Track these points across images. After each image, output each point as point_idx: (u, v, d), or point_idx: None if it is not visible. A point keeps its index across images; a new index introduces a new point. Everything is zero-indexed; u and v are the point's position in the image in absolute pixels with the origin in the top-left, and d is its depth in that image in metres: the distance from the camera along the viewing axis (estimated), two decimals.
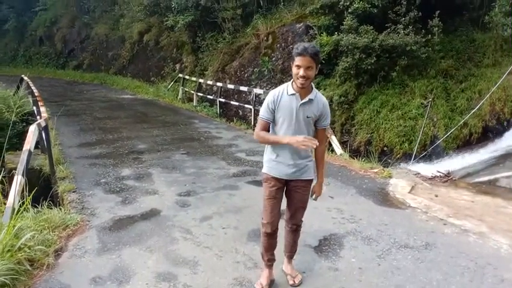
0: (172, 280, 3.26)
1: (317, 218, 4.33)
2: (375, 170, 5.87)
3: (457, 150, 8.39)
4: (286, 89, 2.79)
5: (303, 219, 3.13)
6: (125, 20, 20.32)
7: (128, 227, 4.28)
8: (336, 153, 7.17)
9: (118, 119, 10.69)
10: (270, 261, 3.11)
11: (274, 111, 2.81)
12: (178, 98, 14.33)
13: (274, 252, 3.12)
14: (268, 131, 2.89)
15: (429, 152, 8.64)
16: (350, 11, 9.67)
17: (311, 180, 3.00)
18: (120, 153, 7.29)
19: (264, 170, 3.00)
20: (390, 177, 5.65)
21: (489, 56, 9.16)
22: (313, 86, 2.82)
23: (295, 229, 3.12)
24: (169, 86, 15.50)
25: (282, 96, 2.78)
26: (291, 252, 3.23)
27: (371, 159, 6.80)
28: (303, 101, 2.74)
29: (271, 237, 3.04)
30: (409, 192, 5.03)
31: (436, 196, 4.97)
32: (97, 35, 22.81)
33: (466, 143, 8.40)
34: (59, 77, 22.24)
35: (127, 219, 4.49)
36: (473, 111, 8.30)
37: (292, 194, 2.99)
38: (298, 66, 2.62)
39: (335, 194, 5.10)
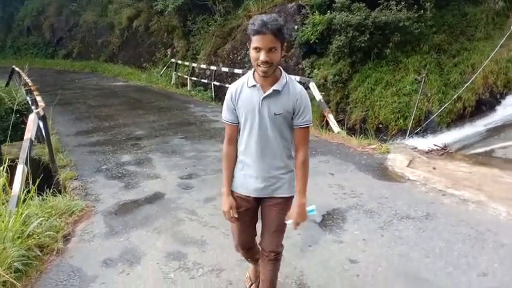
0: (182, 259, 3.34)
1: (319, 194, 4.42)
2: (373, 146, 5.95)
3: (451, 124, 8.50)
4: (247, 81, 2.17)
5: (283, 243, 2.47)
6: (113, 6, 19.98)
7: (134, 211, 4.34)
8: (333, 132, 7.23)
9: (113, 106, 10.64)
10: (255, 260, 2.68)
11: (235, 110, 2.21)
12: (172, 83, 14.25)
13: (258, 249, 2.58)
14: (236, 135, 2.31)
15: (424, 127, 8.73)
16: None
17: (290, 198, 2.31)
18: (118, 139, 7.30)
19: (232, 186, 2.36)
20: (388, 152, 5.74)
21: (481, 30, 9.19)
22: (283, 72, 2.16)
23: (274, 258, 2.41)
24: (162, 72, 15.39)
25: (242, 90, 2.18)
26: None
27: (368, 136, 6.88)
28: (266, 93, 2.11)
29: (249, 252, 2.60)
30: (407, 166, 5.12)
31: (434, 169, 5.07)
32: (86, 22, 22.42)
33: (460, 117, 8.50)
34: (49, 67, 21.91)
35: (132, 204, 4.54)
36: (466, 85, 8.36)
37: (265, 214, 2.36)
38: (257, 49, 1.97)
39: (335, 170, 5.18)
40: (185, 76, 13.59)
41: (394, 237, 3.43)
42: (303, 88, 2.20)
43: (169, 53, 16.17)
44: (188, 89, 13.11)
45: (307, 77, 9.89)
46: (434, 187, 4.39)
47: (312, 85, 8.25)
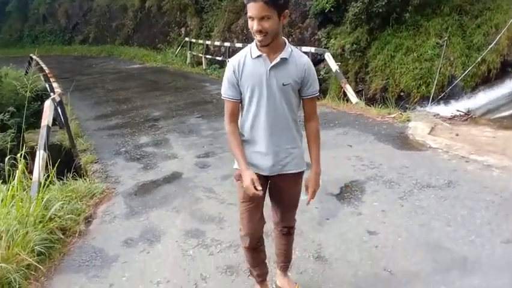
0: (200, 236, 3.36)
1: (336, 166, 4.35)
2: (393, 115, 5.79)
3: (476, 89, 8.17)
4: (249, 52, 2.05)
5: (296, 218, 2.44)
6: None
7: (153, 191, 4.39)
8: (351, 103, 7.07)
9: (130, 89, 10.71)
10: (261, 276, 2.48)
11: (238, 85, 2.07)
12: (187, 62, 14.21)
13: (266, 261, 2.47)
14: (238, 112, 2.15)
15: (448, 92, 8.43)
16: None
17: (301, 173, 2.24)
18: (136, 122, 7.36)
19: (235, 165, 2.21)
20: (408, 120, 5.57)
21: None
22: (287, 42, 2.06)
23: (287, 232, 2.43)
24: (177, 52, 15.35)
25: (245, 62, 2.04)
26: (285, 262, 2.55)
27: (388, 106, 6.69)
28: (274, 62, 2.00)
29: (255, 252, 2.36)
30: (429, 134, 4.96)
31: (457, 135, 4.90)
32: (99, 6, 22.47)
33: (485, 80, 8.15)
34: (67, 53, 22.19)
35: (151, 184, 4.59)
36: (490, 46, 7.98)
37: (275, 193, 2.30)
38: (251, 18, 1.88)
39: (353, 142, 5.08)
40: (200, 55, 13.50)
41: (414, 207, 3.35)
42: (308, 58, 2.12)
43: (183, 32, 16.07)
44: (204, 67, 13.04)
45: (324, 47, 9.64)
46: (457, 154, 4.24)
47: (328, 55, 8.04)
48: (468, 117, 5.98)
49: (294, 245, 2.55)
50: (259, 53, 2.00)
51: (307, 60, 2.10)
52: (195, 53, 14.17)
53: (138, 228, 3.61)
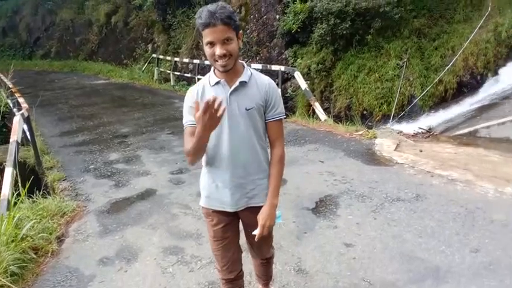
0: (179, 253, 3.35)
1: (310, 182, 4.46)
2: (360, 132, 6.03)
3: (434, 107, 8.65)
4: (208, 80, 1.94)
5: (273, 249, 2.38)
6: (90, 2, 19.59)
7: (127, 208, 4.32)
8: (320, 120, 7.29)
9: (96, 105, 10.49)
10: None
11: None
12: (154, 79, 14.10)
13: (242, 275, 2.29)
14: None
15: (408, 111, 8.87)
16: None
17: None
18: (104, 138, 7.22)
19: (201, 202, 2.11)
20: (375, 137, 5.82)
21: (460, 12, 9.29)
22: (245, 64, 1.96)
23: (265, 263, 2.40)
24: (144, 68, 15.21)
25: (204, 90, 1.93)
26: (266, 280, 2.54)
27: (354, 123, 6.96)
28: (233, 86, 1.88)
29: (234, 285, 2.22)
30: (395, 150, 5.21)
31: (421, 151, 5.17)
32: (62, 20, 21.93)
33: (442, 100, 8.66)
34: (28, 68, 21.39)
35: (124, 201, 4.52)
36: (447, 67, 8.51)
37: (246, 228, 2.16)
38: (211, 44, 1.75)
39: (325, 158, 5.24)
40: (168, 71, 13.46)
41: (387, 220, 3.50)
42: (270, 79, 2.01)
43: (149, 48, 15.98)
44: (172, 84, 13.00)
45: (291, 66, 9.91)
46: (422, 169, 4.48)
47: (297, 74, 8.27)
48: (430, 134, 6.33)
49: (274, 259, 2.56)
50: (217, 79, 1.89)
51: (269, 81, 1.97)
52: (162, 70, 14.11)
53: (113, 247, 3.54)
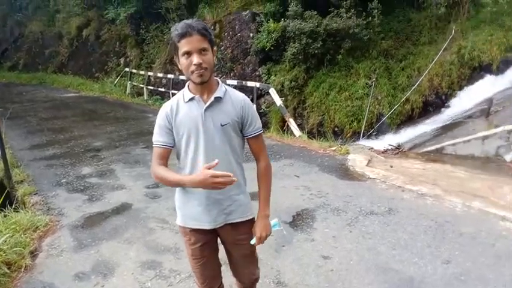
0: (157, 267, 3.33)
1: (287, 196, 4.55)
2: (334, 148, 6.20)
3: (401, 125, 9.00)
4: (182, 97, 1.93)
5: (259, 270, 2.29)
6: (61, 15, 19.21)
7: (102, 223, 4.25)
8: (295, 136, 7.44)
9: (66, 118, 10.26)
10: None
11: (171, 131, 1.91)
12: (127, 93, 13.96)
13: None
14: (167, 162, 1.95)
15: (376, 129, 9.19)
16: None
17: (249, 222, 2.06)
18: (76, 152, 7.07)
19: (177, 221, 2.08)
20: (348, 153, 6.00)
21: (425, 35, 9.76)
22: (219, 81, 1.97)
23: (251, 285, 2.31)
24: (116, 82, 15.02)
25: (178, 107, 1.91)
26: None
27: (327, 139, 7.14)
28: (208, 102, 1.88)
29: None
30: (367, 165, 5.39)
31: (391, 167, 5.38)
32: (32, 32, 21.39)
33: (409, 118, 9.04)
34: None
35: (98, 216, 4.44)
36: (413, 87, 8.91)
37: (226, 247, 2.14)
38: (188, 53, 1.76)
39: (300, 173, 5.35)
40: (141, 85, 13.38)
41: (362, 233, 3.62)
42: (244, 95, 2.03)
43: (122, 62, 15.82)
44: (145, 98, 12.91)
45: (265, 83, 10.09)
46: (393, 184, 4.66)
47: (272, 91, 8.44)
48: (399, 151, 6.58)
49: None
50: (191, 95, 1.88)
51: (243, 97, 1.99)
52: (135, 84, 13.99)
53: (89, 261, 3.48)
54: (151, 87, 13.13)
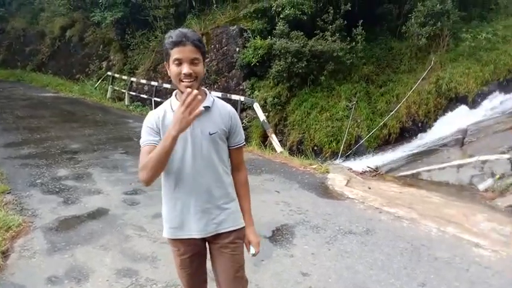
0: (133, 275, 3.27)
1: (267, 210, 4.57)
2: (314, 166, 6.29)
3: (378, 149, 9.21)
4: (170, 105, 1.92)
5: (247, 283, 2.14)
6: (45, 14, 18.92)
7: (77, 227, 4.15)
8: (276, 151, 7.50)
9: (43, 118, 10.04)
10: None
11: (159, 133, 1.86)
12: (107, 97, 13.79)
13: None
14: None
15: (354, 150, 9.36)
16: (281, 16, 10.05)
17: (241, 231, 2.03)
18: (52, 153, 6.91)
19: (164, 233, 2.02)
20: (327, 172, 6.09)
21: (405, 63, 10.09)
22: (207, 91, 1.99)
23: None
24: (96, 85, 14.82)
25: (165, 116, 1.89)
26: None
27: (308, 157, 7.23)
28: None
29: None
30: (346, 185, 5.48)
31: (369, 188, 5.49)
32: (14, 29, 20.96)
33: (386, 142, 9.26)
34: None
35: (74, 219, 4.34)
36: (391, 113, 9.17)
37: (217, 260, 2.03)
38: (179, 61, 1.76)
39: (280, 188, 5.39)
40: (123, 90, 13.25)
41: (340, 251, 3.66)
42: (231, 106, 2.05)
43: (104, 65, 15.66)
44: (126, 103, 12.79)
45: (248, 97, 10.16)
46: (371, 205, 4.75)
47: (256, 105, 8.51)
48: (376, 173, 6.72)
49: None
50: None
51: (231, 108, 2.01)
52: (116, 88, 13.84)
53: (63, 266, 3.39)
54: (133, 93, 13.02)
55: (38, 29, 19.39)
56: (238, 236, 2.02)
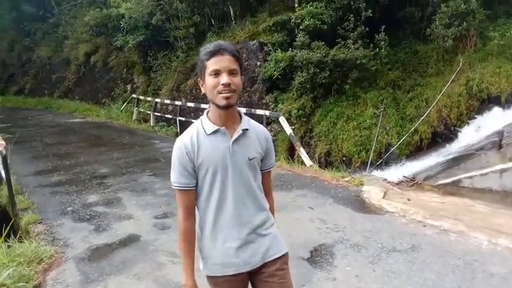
0: None
1: (302, 229, 4.37)
2: (347, 179, 6.05)
3: (410, 156, 8.87)
4: (202, 128, 1.75)
5: None
6: (69, 41, 19.51)
7: (109, 256, 4.06)
8: (305, 165, 7.30)
9: (72, 143, 10.19)
10: None
11: (194, 170, 1.73)
12: (133, 119, 13.97)
13: None
14: (194, 204, 1.82)
15: (385, 159, 9.05)
16: (301, 28, 9.97)
17: (286, 255, 1.89)
18: (82, 179, 6.93)
19: (204, 270, 1.84)
20: (362, 184, 5.84)
21: (432, 66, 9.78)
22: (241, 112, 1.84)
23: None
24: (122, 108, 15.05)
25: (199, 141, 1.72)
26: None
27: (339, 169, 6.99)
28: (236, 135, 1.73)
29: None
30: (383, 198, 5.22)
31: (409, 200, 5.21)
32: (39, 58, 21.70)
33: (418, 149, 8.92)
34: (0, 104, 20.81)
35: (105, 248, 4.25)
36: (421, 118, 8.84)
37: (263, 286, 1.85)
38: (216, 72, 1.64)
39: (314, 204, 5.18)
40: (148, 112, 13.39)
41: (386, 272, 3.42)
42: (263, 127, 1.97)
43: (128, 88, 15.93)
44: (152, 124, 12.90)
45: (272, 111, 10.04)
46: (413, 218, 4.48)
47: (282, 119, 8.37)
48: (414, 183, 6.42)
49: None
50: (215, 127, 1.72)
51: (264, 129, 1.91)
52: (141, 110, 14.01)
53: None
54: (158, 114, 13.14)
55: (63, 57, 19.97)
56: (285, 261, 1.87)
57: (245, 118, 1.81)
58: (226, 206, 1.76)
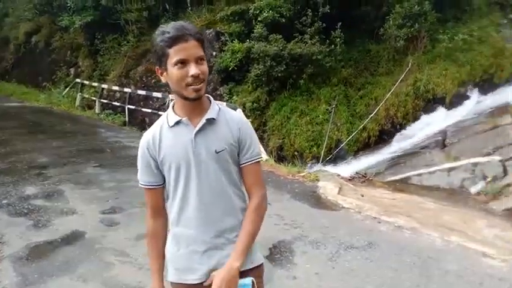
0: None
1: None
2: (303, 174, 6.04)
3: (358, 152, 9.09)
4: (166, 120, 1.58)
5: None
6: (9, 19, 17.97)
7: (50, 255, 3.71)
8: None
9: (7, 129, 9.38)
10: None
11: (157, 165, 1.58)
12: (76, 105, 13.13)
13: None
14: (163, 203, 1.67)
15: (335, 154, 9.21)
16: (259, 19, 9.83)
17: (260, 267, 1.71)
18: (18, 168, 6.36)
19: (169, 277, 1.65)
20: (317, 180, 5.85)
21: (383, 66, 10.02)
22: (211, 99, 1.63)
23: None
24: (64, 93, 14.10)
25: (161, 135, 1.57)
26: None
27: (295, 164, 6.98)
28: (199, 125, 1.53)
29: None
30: (338, 194, 5.25)
31: (362, 196, 5.28)
32: None
33: (366, 145, 9.17)
34: None
35: (46, 245, 3.89)
36: (370, 116, 9.08)
37: None
38: (182, 62, 1.43)
39: (271, 199, 4.96)
40: (93, 98, 12.65)
41: (345, 269, 3.40)
42: (241, 113, 1.74)
43: (72, 72, 14.97)
44: (97, 111, 12.20)
45: (226, 103, 9.86)
46: (368, 214, 4.53)
47: (239, 111, 8.19)
48: (365, 179, 6.55)
49: None
50: (177, 117, 1.54)
51: (241, 117, 1.68)
52: (86, 96, 13.21)
53: None
54: (104, 101, 12.43)
55: (2, 36, 18.42)
56: (258, 275, 1.65)
57: (214, 107, 1.59)
58: (190, 205, 1.57)
